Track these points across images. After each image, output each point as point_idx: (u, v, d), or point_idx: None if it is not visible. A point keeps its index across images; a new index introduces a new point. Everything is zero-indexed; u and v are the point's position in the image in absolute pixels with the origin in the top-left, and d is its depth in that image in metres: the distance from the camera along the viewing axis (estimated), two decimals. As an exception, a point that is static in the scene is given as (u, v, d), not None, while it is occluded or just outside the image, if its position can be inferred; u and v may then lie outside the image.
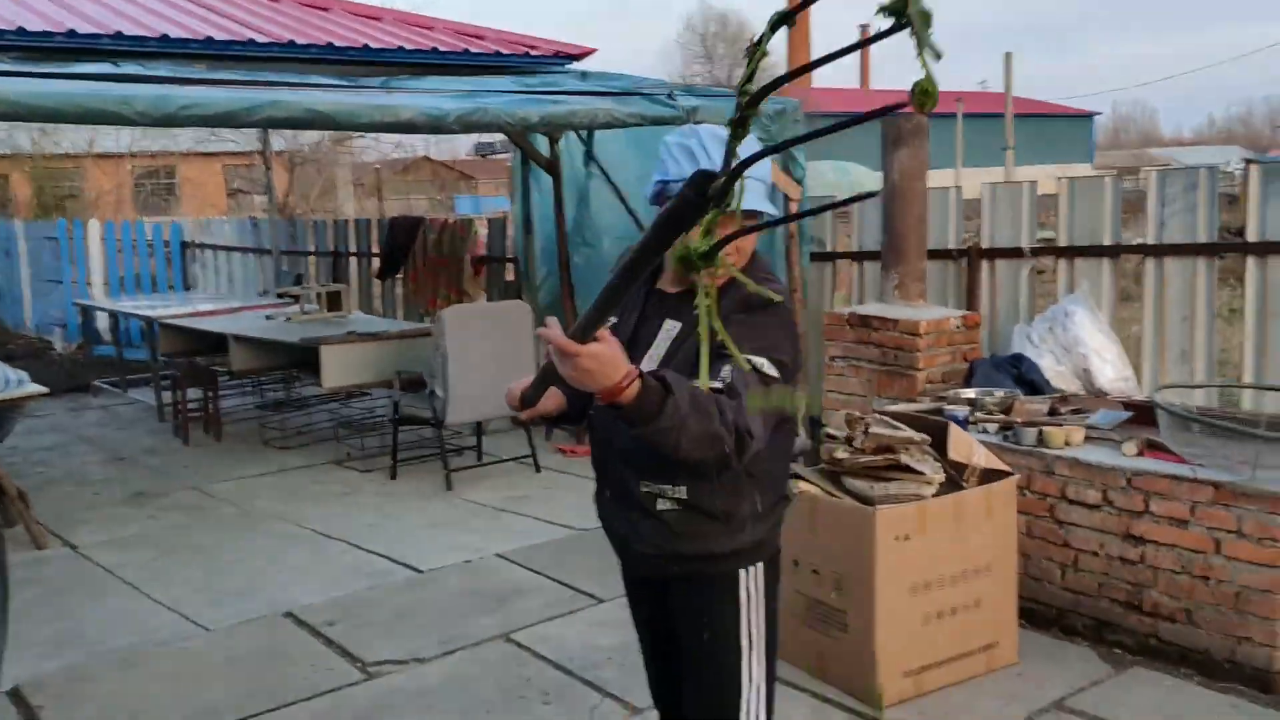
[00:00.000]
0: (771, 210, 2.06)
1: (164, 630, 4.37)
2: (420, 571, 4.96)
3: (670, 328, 2.08)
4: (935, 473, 3.60)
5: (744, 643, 2.15)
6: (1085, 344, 5.10)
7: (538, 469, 6.58)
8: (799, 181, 6.14)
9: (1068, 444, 4.08)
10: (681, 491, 2.06)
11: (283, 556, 5.23)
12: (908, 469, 3.56)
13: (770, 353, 1.94)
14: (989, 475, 3.76)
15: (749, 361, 1.87)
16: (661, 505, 2.09)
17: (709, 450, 1.80)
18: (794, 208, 6.14)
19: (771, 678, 2.22)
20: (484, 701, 3.67)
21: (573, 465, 6.63)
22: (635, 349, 2.07)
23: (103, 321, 11.30)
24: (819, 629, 3.69)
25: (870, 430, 3.63)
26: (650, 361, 2.07)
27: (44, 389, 5.51)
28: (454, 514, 5.86)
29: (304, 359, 7.26)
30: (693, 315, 1.91)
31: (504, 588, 4.65)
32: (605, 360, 1.62)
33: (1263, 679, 3.52)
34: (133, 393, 9.72)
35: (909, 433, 3.61)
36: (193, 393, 7.86)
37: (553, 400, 2.17)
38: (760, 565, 2.16)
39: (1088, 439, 4.14)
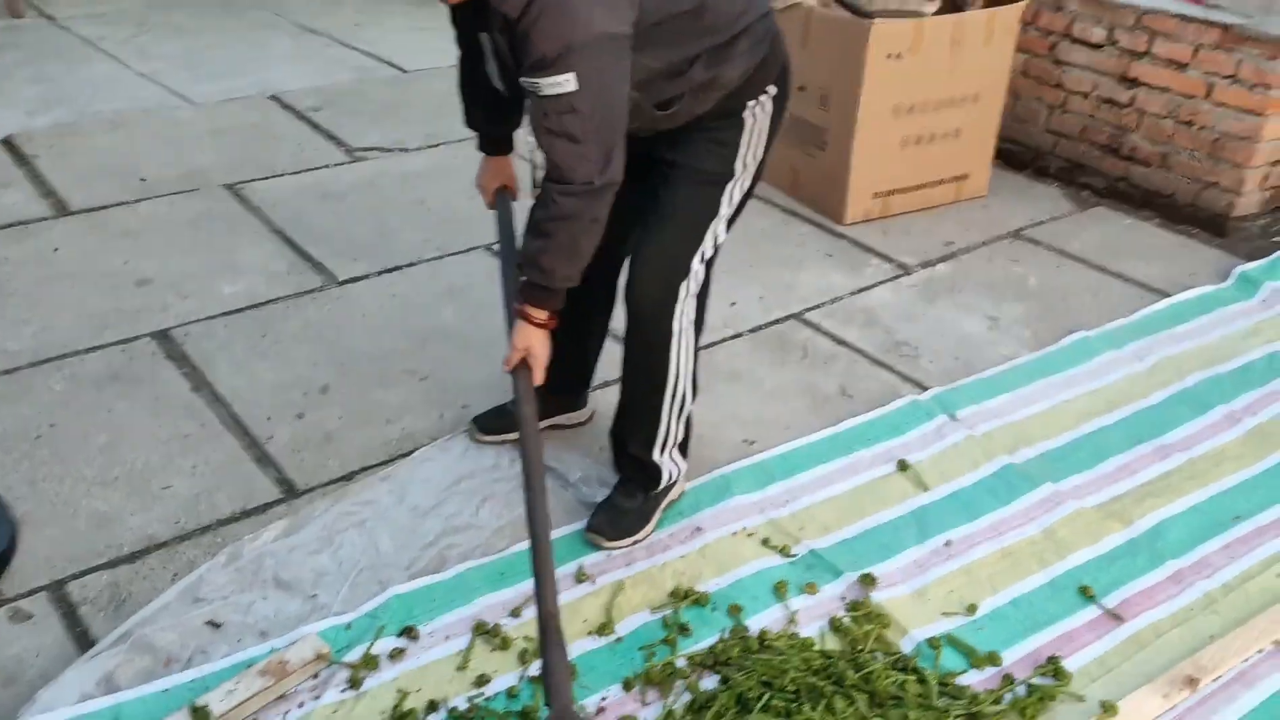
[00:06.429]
0: None
1: (150, 99, 4.38)
2: (405, 71, 4.90)
3: (485, 40, 1.92)
4: (939, -9, 3.47)
5: (738, 165, 2.05)
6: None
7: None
8: None
9: (1082, -21, 3.91)
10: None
11: (265, 44, 5.13)
12: (911, -16, 3.43)
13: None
14: (995, 1, 3.64)
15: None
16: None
17: (584, 235, 1.88)
18: None
19: (744, 202, 2.14)
20: (464, 188, 3.77)
21: None
22: (480, 60, 2.00)
23: None
24: (798, 147, 3.72)
25: (878, -61, 3.44)
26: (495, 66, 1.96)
27: None
28: (439, 20, 5.68)
29: None
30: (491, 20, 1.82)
31: (490, 90, 4.61)
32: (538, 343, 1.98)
33: (1218, 223, 3.65)
34: None
35: (918, -56, 3.43)
36: None
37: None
38: (769, 95, 2.03)
39: (1104, -24, 3.96)
